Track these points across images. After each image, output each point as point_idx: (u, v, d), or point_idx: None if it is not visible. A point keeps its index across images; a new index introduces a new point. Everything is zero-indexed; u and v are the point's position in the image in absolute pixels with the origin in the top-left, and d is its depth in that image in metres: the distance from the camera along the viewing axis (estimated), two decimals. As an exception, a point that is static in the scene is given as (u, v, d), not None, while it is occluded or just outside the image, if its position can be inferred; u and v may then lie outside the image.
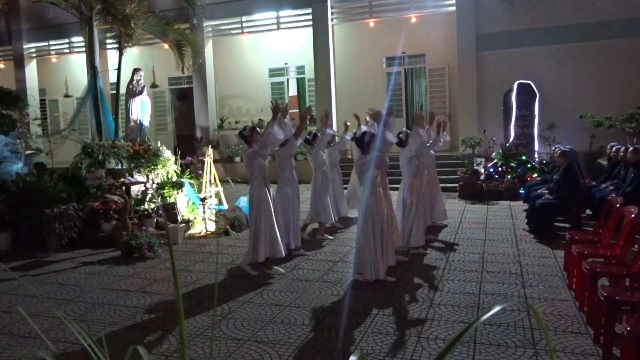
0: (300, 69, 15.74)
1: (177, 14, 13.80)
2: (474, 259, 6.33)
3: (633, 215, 4.65)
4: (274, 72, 15.99)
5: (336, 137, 9.10)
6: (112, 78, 12.96)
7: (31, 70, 17.38)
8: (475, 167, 11.33)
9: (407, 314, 4.60)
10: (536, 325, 4.26)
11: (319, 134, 8.05)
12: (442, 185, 11.62)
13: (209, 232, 8.23)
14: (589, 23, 11.97)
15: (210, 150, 9.62)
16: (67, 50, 17.10)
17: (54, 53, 17.30)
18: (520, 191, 10.38)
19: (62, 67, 17.48)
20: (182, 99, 17.58)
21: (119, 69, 10.05)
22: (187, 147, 14.54)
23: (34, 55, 17.38)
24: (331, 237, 7.68)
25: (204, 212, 8.40)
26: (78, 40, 16.21)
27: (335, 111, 14.24)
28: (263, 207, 5.89)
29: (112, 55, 15.31)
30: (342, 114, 14.45)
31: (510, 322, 4.35)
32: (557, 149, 9.04)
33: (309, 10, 14.11)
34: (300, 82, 15.96)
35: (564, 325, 4.27)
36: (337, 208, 8.43)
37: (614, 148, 8.72)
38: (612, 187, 7.91)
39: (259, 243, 5.86)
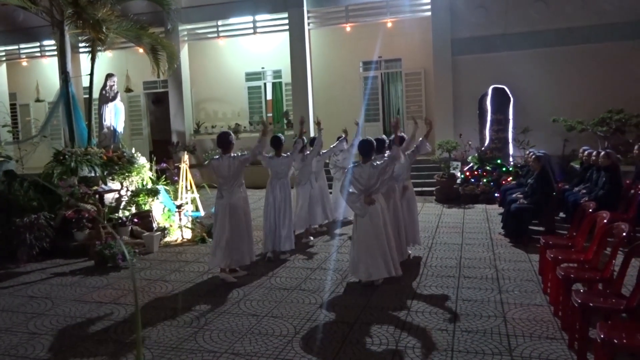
0: (277, 73, 15.68)
1: (151, 17, 13.62)
2: (451, 264, 6.37)
3: (605, 221, 4.73)
4: (250, 76, 15.89)
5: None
6: (85, 82, 12.71)
7: (1, 74, 16.97)
8: (452, 171, 11.43)
9: (385, 322, 4.59)
10: (512, 332, 4.30)
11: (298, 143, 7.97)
12: (419, 189, 11.81)
13: (185, 240, 8.11)
14: (561, 28, 12.20)
15: (186, 157, 9.48)
16: (39, 54, 16.73)
17: (24, 57, 16.92)
18: (496, 195, 10.50)
19: (33, 71, 17.09)
20: (158, 103, 17.35)
21: (91, 74, 9.85)
22: (163, 152, 14.32)
23: (4, 58, 16.97)
24: (312, 239, 7.84)
25: (180, 219, 8.28)
26: (49, 43, 15.86)
27: (311, 116, 14.20)
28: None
29: (84, 60, 14.97)
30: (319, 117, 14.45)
31: (487, 328, 4.38)
32: (531, 153, 9.18)
33: (286, 15, 14.07)
34: (277, 87, 15.90)
35: (539, 330, 4.31)
36: (328, 212, 8.57)
37: (586, 152, 8.88)
38: (584, 191, 8.05)
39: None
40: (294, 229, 7.36)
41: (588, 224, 5.21)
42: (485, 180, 10.98)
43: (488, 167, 11.20)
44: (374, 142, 5.80)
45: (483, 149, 11.79)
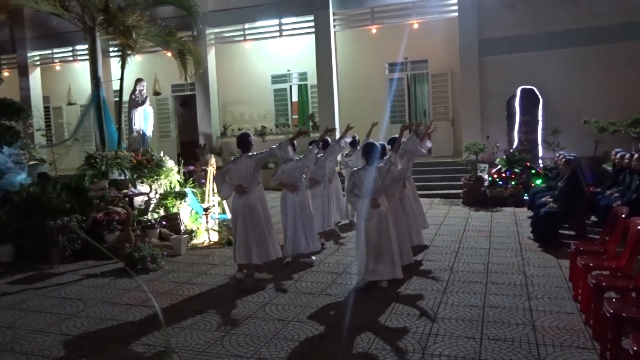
0: (303, 76, 15.73)
1: (179, 21, 13.81)
2: (479, 269, 6.28)
3: (639, 227, 4.60)
4: (276, 79, 15.98)
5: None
6: (116, 87, 12.97)
7: (35, 78, 17.43)
8: (479, 174, 11.28)
9: (410, 328, 4.56)
10: (542, 341, 4.22)
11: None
12: (445, 191, 11.72)
13: (212, 243, 8.20)
14: (591, 27, 11.91)
15: (212, 160, 9.59)
16: (71, 58, 17.16)
17: (57, 61, 17.36)
18: (525, 197, 10.32)
19: (66, 75, 17.54)
20: (185, 106, 17.59)
21: (121, 78, 10.06)
22: (190, 154, 14.54)
23: (38, 63, 17.44)
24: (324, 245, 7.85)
25: (207, 222, 8.38)
26: (81, 48, 16.24)
27: (337, 117, 14.22)
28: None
29: (115, 64, 15.31)
30: (344, 119, 14.44)
31: (515, 337, 4.31)
32: (561, 156, 9.00)
33: (311, 17, 14.10)
34: (302, 89, 15.95)
35: (570, 340, 4.22)
36: (343, 212, 8.60)
37: (619, 154, 8.66)
38: (617, 194, 7.84)
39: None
40: (318, 229, 7.48)
41: (621, 230, 5.07)
42: (513, 182, 10.80)
43: (516, 170, 11.02)
44: (379, 145, 5.85)
45: (511, 150, 11.60)
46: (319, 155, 7.74)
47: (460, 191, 11.34)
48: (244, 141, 6.30)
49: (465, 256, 6.92)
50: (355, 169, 5.88)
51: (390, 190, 6.23)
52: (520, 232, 8.24)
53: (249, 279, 6.18)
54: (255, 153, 6.26)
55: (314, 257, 7.02)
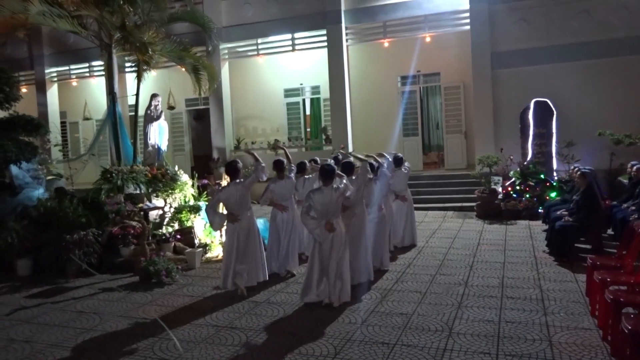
0: (316, 89, 15.84)
1: (193, 37, 14.03)
2: (494, 283, 6.24)
3: (656, 242, 4.56)
4: (289, 93, 16.10)
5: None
6: (131, 102, 13.17)
7: (52, 94, 17.75)
8: (493, 186, 11.22)
9: (426, 343, 4.54)
10: (559, 357, 4.17)
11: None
12: (459, 204, 11.68)
13: (226, 256, 8.25)
14: (606, 40, 11.87)
15: (225, 174, 9.68)
16: (88, 74, 17.46)
17: (74, 77, 17.65)
18: (539, 211, 10.25)
19: (83, 91, 17.84)
20: (199, 120, 17.77)
21: (137, 94, 10.22)
22: (204, 167, 14.67)
23: (55, 79, 17.77)
24: None
25: (221, 235, 8.42)
26: (98, 64, 16.51)
27: (350, 130, 14.29)
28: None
29: (130, 79, 15.58)
30: (357, 132, 14.52)
31: (532, 352, 4.27)
32: (576, 169, 8.94)
33: (324, 32, 14.23)
34: (315, 102, 16.05)
35: (587, 356, 4.17)
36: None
37: (635, 167, 8.58)
38: (633, 208, 7.77)
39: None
40: (301, 250, 7.58)
41: (638, 244, 5.03)
42: (527, 195, 10.73)
43: (531, 182, 10.95)
44: (335, 167, 5.81)
45: (525, 163, 11.54)
46: (307, 177, 7.74)
47: (474, 204, 11.29)
48: (232, 169, 6.40)
49: (479, 270, 6.88)
50: (310, 190, 5.84)
51: (348, 212, 6.16)
52: (536, 245, 8.17)
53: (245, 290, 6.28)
54: (242, 180, 6.37)
55: (295, 272, 7.08)
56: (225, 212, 6.55)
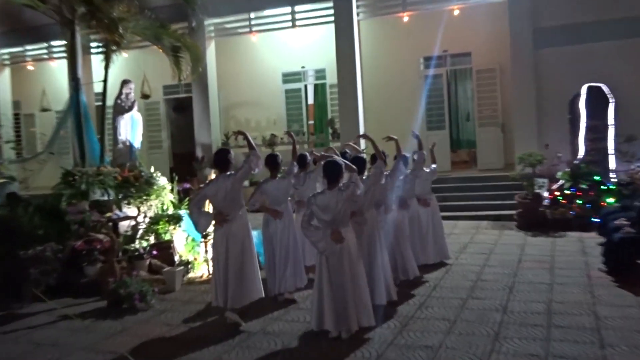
0: (320, 73, 15.86)
1: (173, 12, 14.07)
2: (538, 309, 6.20)
3: None
4: (289, 78, 16.13)
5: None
6: (98, 89, 13.18)
7: (4, 80, 17.84)
8: (537, 191, 11.16)
9: (456, 383, 4.50)
10: (619, 400, 4.12)
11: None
12: (495, 212, 11.63)
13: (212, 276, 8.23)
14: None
15: (213, 175, 9.66)
16: (46, 57, 17.54)
17: (30, 60, 17.74)
18: (594, 220, 10.18)
19: (40, 76, 17.92)
20: (180, 111, 17.81)
21: (105, 80, 10.24)
22: (186, 168, 14.67)
23: (7, 62, 17.85)
24: None
25: (207, 251, 8.41)
26: (58, 44, 16.58)
27: (362, 122, 14.27)
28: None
29: (97, 62, 15.62)
30: (370, 125, 14.49)
31: (586, 395, 4.23)
32: (637, 169, 8.89)
33: (330, 4, 14.26)
34: (320, 89, 16.07)
35: (655, 399, 4.13)
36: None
37: None
38: None
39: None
40: (303, 262, 7.32)
41: None
42: (579, 201, 10.67)
43: (583, 185, 10.89)
44: (342, 164, 5.67)
45: (576, 162, 11.48)
46: (309, 171, 7.72)
47: (513, 212, 11.24)
48: (222, 159, 6.28)
49: (521, 293, 6.83)
50: (312, 195, 5.74)
51: (358, 217, 6.11)
52: (590, 262, 8.12)
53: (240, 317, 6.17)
54: (233, 172, 6.25)
55: (294, 296, 7.02)
56: (212, 211, 6.49)
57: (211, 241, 8.41)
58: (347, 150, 8.28)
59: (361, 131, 13.92)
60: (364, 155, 6.91)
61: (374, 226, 6.43)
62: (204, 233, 8.29)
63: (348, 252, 5.53)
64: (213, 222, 6.31)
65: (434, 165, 8.71)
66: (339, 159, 5.84)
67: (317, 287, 5.63)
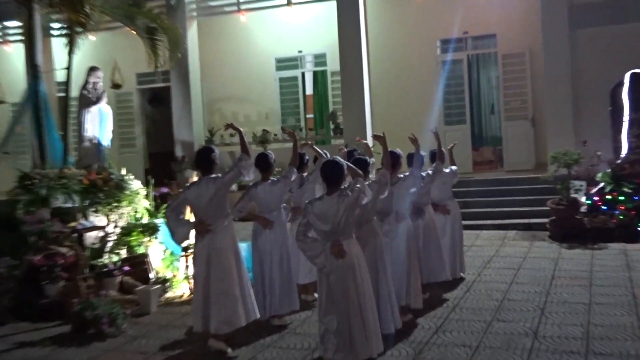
0: (320, 59, 15.89)
1: (149, -13, 14.09)
2: (575, 333, 6.20)
3: None
4: (283, 64, 16.16)
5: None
6: (61, 77, 13.19)
7: (-50, 68, 17.84)
8: (573, 195, 11.17)
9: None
10: None
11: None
12: (524, 220, 11.62)
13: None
14: None
15: (195, 178, 9.66)
16: (0, 40, 17.54)
17: (-20, 44, 17.76)
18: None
19: (-8, 63, 17.92)
20: (156, 104, 17.82)
21: (69, 67, 10.24)
22: (163, 170, 14.65)
23: (-47, 46, 17.86)
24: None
25: (188, 266, 8.41)
26: (14, 25, 16.61)
27: (369, 116, 14.27)
28: None
29: (59, 46, 15.60)
30: (380, 120, 14.48)
31: None
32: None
33: (332, -22, 14.30)
34: (319, 77, 16.08)
35: None
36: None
37: None
38: None
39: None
40: (295, 280, 7.29)
41: None
42: (623, 207, 10.68)
43: (627, 189, 10.89)
44: (344, 165, 5.56)
45: (619, 161, 11.49)
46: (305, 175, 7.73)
47: (546, 220, 11.25)
48: (204, 158, 6.27)
49: (555, 315, 6.83)
50: (309, 201, 5.66)
51: (365, 229, 6.06)
52: (635, 278, 8.12)
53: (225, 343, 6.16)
54: (219, 175, 6.23)
55: (286, 318, 7.02)
56: (192, 219, 6.50)
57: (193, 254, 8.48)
58: (356, 149, 8.30)
59: (368, 126, 13.97)
60: (368, 158, 6.81)
61: (375, 241, 6.25)
62: (183, 245, 8.33)
63: (352, 269, 5.34)
64: (193, 232, 6.30)
65: (454, 167, 8.70)
66: (340, 159, 5.74)
67: (319, 309, 5.57)
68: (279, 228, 6.98)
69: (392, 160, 6.50)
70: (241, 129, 6.75)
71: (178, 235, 6.38)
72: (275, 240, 6.95)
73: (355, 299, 5.33)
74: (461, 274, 8.53)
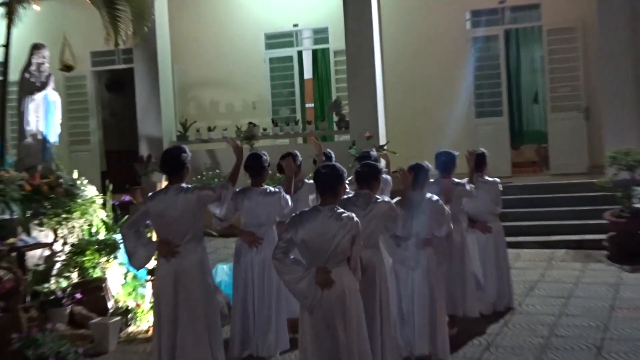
0: (321, 34, 15.90)
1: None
2: (640, 379, 6.20)
3: None
4: (275, 41, 16.19)
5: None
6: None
7: None
8: (638, 205, 11.16)
9: None
10: None
11: None
12: (575, 237, 11.60)
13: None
14: None
15: (165, 183, 9.65)
16: None
17: None
18: None
19: None
20: (116, 90, 17.84)
21: (7, 45, 10.22)
22: (125, 173, 14.64)
23: None
24: None
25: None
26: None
27: (381, 106, 14.24)
28: None
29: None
30: (394, 111, 14.48)
31: None
32: None
33: None
34: (320, 57, 16.08)
35: None
36: None
37: None
38: None
39: None
40: (286, 313, 7.21)
41: None
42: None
43: None
44: (343, 172, 5.45)
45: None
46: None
47: (603, 236, 11.24)
48: (171, 160, 6.20)
49: (615, 355, 6.81)
50: (300, 212, 5.56)
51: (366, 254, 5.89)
52: None
53: None
54: (192, 186, 6.19)
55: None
56: (155, 238, 6.44)
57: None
58: (372, 151, 8.24)
59: (380, 118, 13.93)
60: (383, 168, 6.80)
61: (375, 269, 6.11)
62: (150, 267, 8.30)
63: (341, 303, 5.21)
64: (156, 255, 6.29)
65: (495, 179, 8.63)
66: (339, 165, 5.62)
67: (300, 352, 5.51)
68: (268, 247, 6.76)
69: (416, 179, 6.52)
70: (241, 156, 6.73)
71: (136, 258, 6.28)
72: (263, 261, 6.89)
73: (344, 341, 5.19)
74: (507, 306, 8.48)
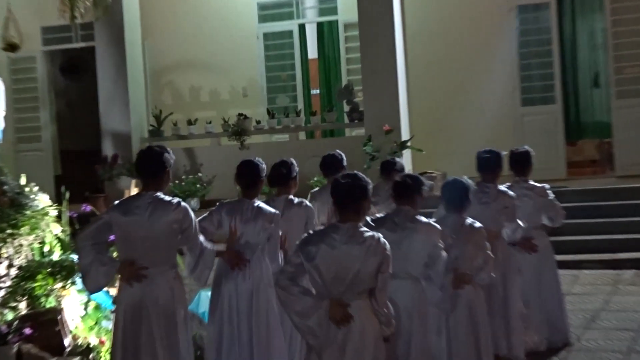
0: (328, 3, 15.91)
1: None
2: None
3: None
4: (270, 13, 16.22)
5: None
6: None
7: None
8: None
9: None
10: None
11: None
12: (609, 255, 11.58)
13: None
14: None
15: (134, 189, 9.69)
16: None
17: None
18: None
19: None
20: (73, 74, 17.87)
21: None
22: (84, 178, 14.68)
23: None
24: None
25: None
26: None
27: (403, 93, 14.25)
28: None
29: None
30: (419, 98, 14.49)
31: None
32: None
33: None
34: (326, 32, 16.10)
35: None
36: None
37: None
38: None
39: None
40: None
41: None
42: None
43: None
44: (368, 183, 5.32)
45: None
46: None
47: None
48: (151, 161, 6.13)
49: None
50: (312, 232, 5.54)
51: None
52: None
53: None
54: (176, 200, 6.09)
55: None
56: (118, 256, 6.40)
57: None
58: (397, 160, 8.27)
59: (402, 107, 13.91)
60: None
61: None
62: (113, 296, 8.35)
63: (361, 345, 5.17)
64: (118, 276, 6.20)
65: (544, 184, 8.65)
66: (362, 175, 5.55)
67: None
68: (256, 272, 6.80)
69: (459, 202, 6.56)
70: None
71: (91, 278, 6.14)
72: (249, 290, 6.78)
73: None
74: (562, 341, 8.47)
